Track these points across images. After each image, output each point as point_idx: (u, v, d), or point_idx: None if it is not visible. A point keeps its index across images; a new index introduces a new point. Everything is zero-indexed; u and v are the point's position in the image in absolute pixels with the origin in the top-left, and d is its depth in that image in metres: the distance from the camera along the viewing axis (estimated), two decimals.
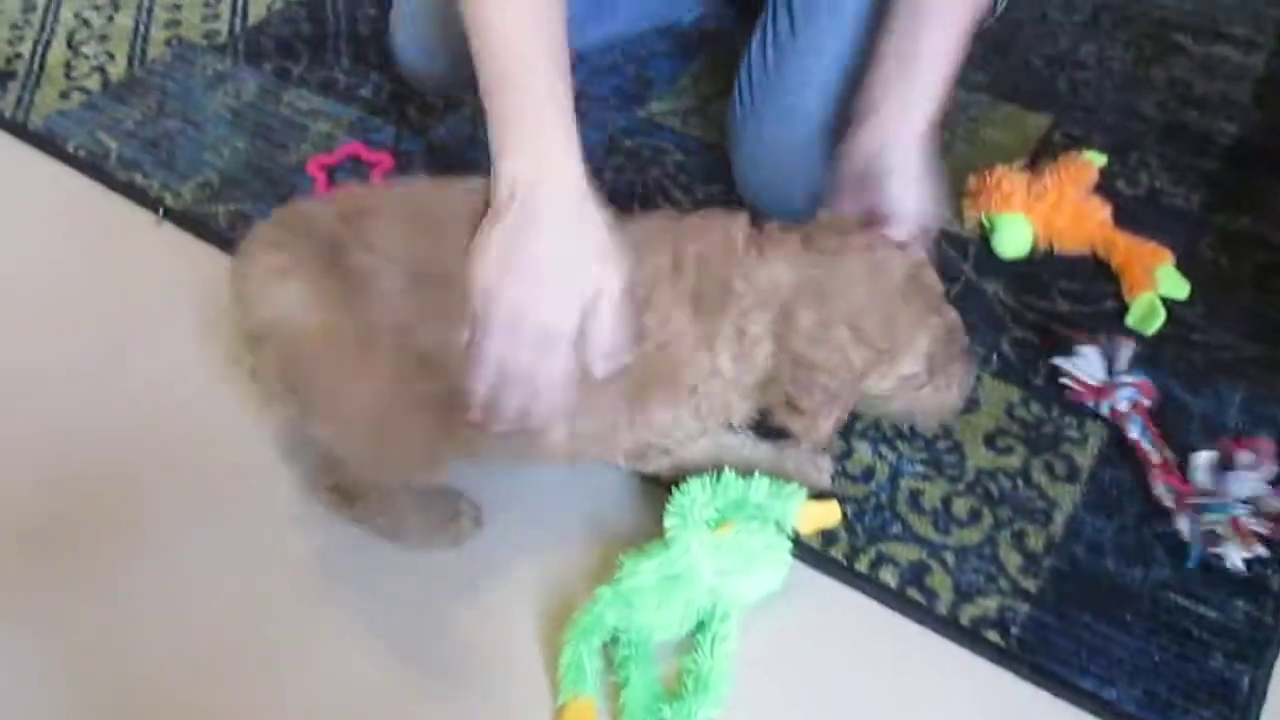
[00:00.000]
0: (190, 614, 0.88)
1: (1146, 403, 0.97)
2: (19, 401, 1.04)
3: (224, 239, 1.19)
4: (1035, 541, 0.91)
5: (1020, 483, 0.95)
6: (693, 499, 0.86)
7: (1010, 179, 1.13)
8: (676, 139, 1.30)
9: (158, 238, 1.20)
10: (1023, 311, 1.09)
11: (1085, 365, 0.98)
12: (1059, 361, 0.99)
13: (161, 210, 1.22)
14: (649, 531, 0.88)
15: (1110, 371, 0.97)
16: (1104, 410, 0.97)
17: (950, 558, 0.90)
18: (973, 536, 0.91)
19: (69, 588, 0.90)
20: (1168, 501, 0.90)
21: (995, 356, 1.05)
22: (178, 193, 1.25)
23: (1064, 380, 0.99)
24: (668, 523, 0.85)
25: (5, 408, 1.04)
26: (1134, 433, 0.95)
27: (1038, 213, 1.12)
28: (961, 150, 1.28)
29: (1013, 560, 0.90)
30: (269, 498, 0.95)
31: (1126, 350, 0.98)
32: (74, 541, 0.92)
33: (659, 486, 0.93)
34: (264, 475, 0.97)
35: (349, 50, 1.46)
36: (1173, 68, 1.40)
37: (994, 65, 1.40)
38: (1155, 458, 0.93)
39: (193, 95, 1.40)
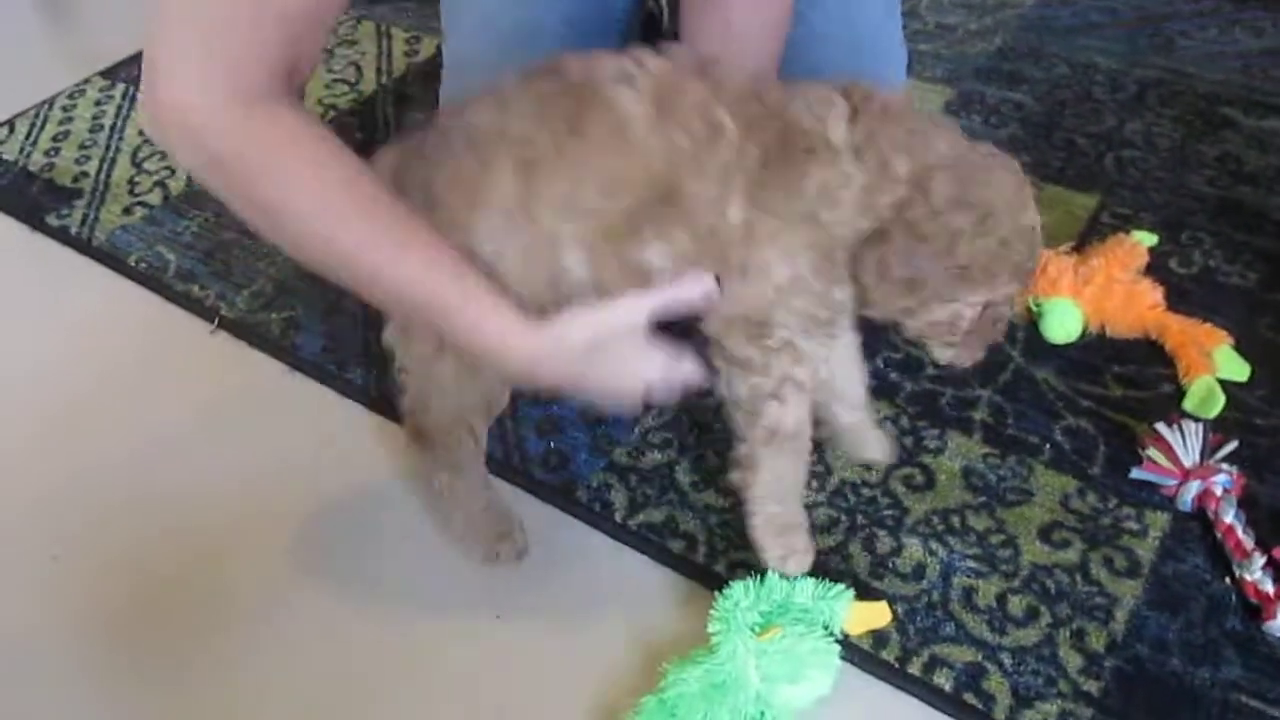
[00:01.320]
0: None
1: (1237, 488, 0.94)
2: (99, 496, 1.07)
3: (277, 346, 1.21)
4: (1096, 640, 0.87)
5: (1078, 578, 0.92)
6: (736, 602, 0.84)
7: (1057, 262, 1.11)
8: None
9: (213, 346, 1.24)
10: (1075, 398, 1.07)
11: (1177, 445, 0.95)
12: (1160, 429, 0.97)
13: (217, 320, 1.26)
14: (693, 637, 0.86)
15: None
16: (1189, 494, 0.94)
17: (1007, 659, 0.86)
18: (1030, 636, 0.88)
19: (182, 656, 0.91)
20: (1267, 586, 0.87)
21: (1048, 446, 1.02)
22: (232, 302, 1.28)
23: (1150, 455, 0.96)
24: (712, 628, 0.84)
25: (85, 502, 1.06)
26: (1229, 518, 0.91)
27: (1086, 296, 1.10)
28: None
29: (1073, 661, 0.86)
30: (322, 595, 0.96)
31: (1201, 434, 0.96)
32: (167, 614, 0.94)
33: (703, 590, 0.91)
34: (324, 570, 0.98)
35: None
36: (1223, 143, 1.38)
37: (1038, 147, 1.40)
38: (1250, 545, 0.89)
39: None
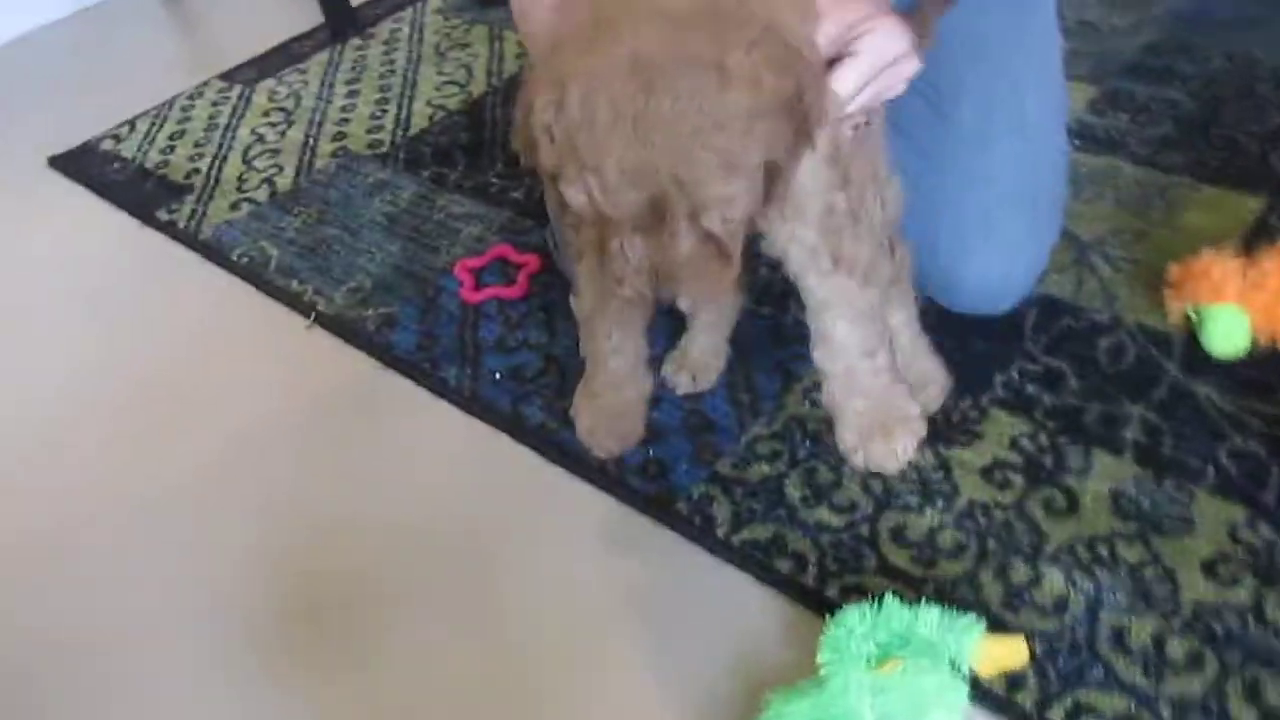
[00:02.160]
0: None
1: None
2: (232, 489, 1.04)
3: (372, 343, 1.17)
4: (1275, 695, 0.75)
5: (1251, 620, 0.79)
6: (850, 630, 0.75)
7: (1221, 265, 0.99)
8: None
9: (308, 341, 1.20)
10: (1243, 417, 0.94)
11: None
12: None
13: (314, 315, 1.22)
14: (801, 668, 0.77)
15: None
16: None
17: (1166, 711, 0.75)
18: (1193, 685, 0.76)
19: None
20: None
21: (1212, 469, 0.90)
22: (330, 298, 1.25)
23: None
24: (821, 658, 0.75)
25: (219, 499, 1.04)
26: None
27: (1256, 303, 0.97)
28: (1160, 236, 1.15)
29: (1246, 716, 0.74)
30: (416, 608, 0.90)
31: None
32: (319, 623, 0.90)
33: (813, 615, 0.82)
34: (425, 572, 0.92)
35: (503, 155, 1.46)
36: None
37: (1194, 144, 1.27)
38: None
39: (352, 203, 1.42)
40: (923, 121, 0.96)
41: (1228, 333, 0.98)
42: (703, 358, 1.03)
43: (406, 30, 1.85)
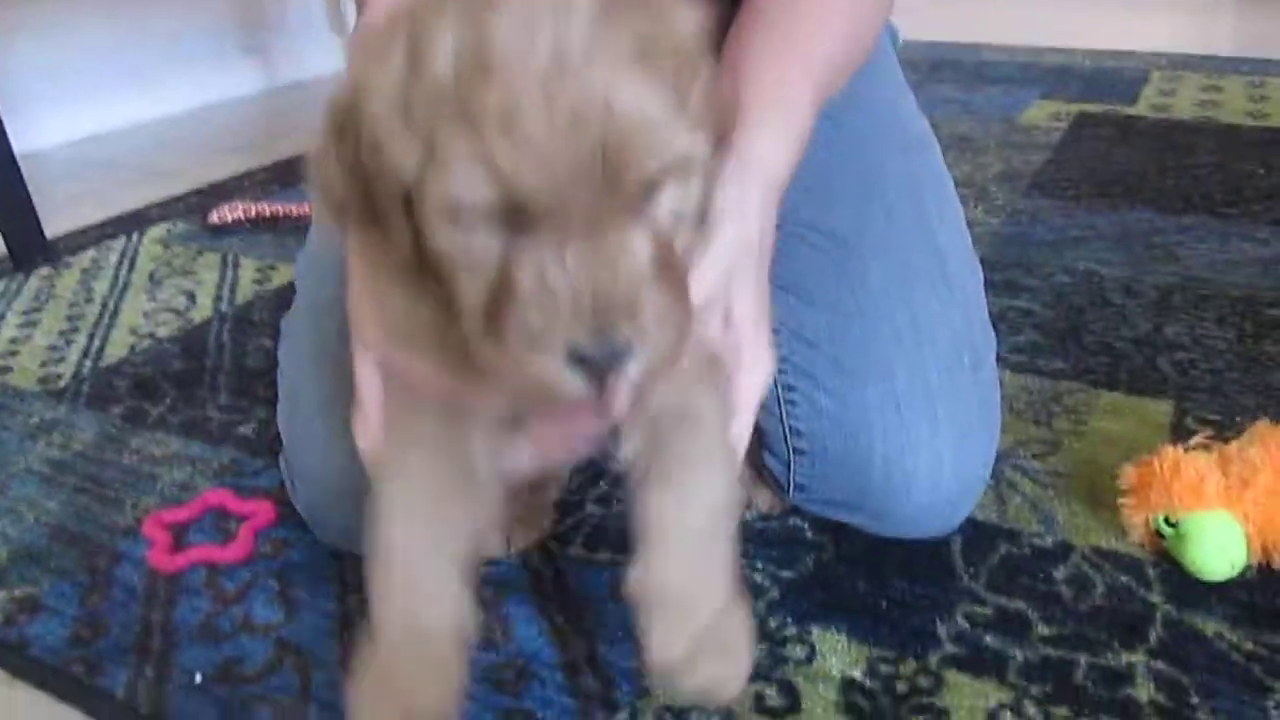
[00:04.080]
0: None
1: None
2: None
3: None
4: None
5: None
6: None
7: (1194, 462, 0.77)
8: None
9: None
10: (1275, 659, 0.68)
11: None
12: None
13: None
14: None
15: None
16: None
17: None
18: None
19: None
20: None
21: None
22: None
23: None
24: None
25: None
26: None
27: (1249, 505, 0.74)
28: (1074, 446, 0.93)
29: None
30: None
31: None
32: None
33: None
34: None
35: (230, 385, 1.11)
36: None
37: (1068, 351, 1.10)
38: None
39: (4, 449, 1.01)
40: (826, 276, 0.72)
41: (1221, 546, 0.74)
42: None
43: (114, 258, 1.50)
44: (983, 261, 0.83)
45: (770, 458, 0.75)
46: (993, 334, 0.80)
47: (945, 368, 0.70)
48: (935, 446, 0.68)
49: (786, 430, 0.72)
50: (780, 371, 0.68)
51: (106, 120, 2.34)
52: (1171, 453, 0.78)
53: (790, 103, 0.58)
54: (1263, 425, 0.81)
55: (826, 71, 0.61)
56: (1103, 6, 2.93)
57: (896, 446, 0.68)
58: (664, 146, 0.39)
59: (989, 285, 0.83)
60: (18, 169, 1.50)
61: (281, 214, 1.55)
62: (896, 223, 0.73)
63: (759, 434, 0.73)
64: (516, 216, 0.38)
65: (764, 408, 0.63)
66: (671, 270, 0.41)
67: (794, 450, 0.73)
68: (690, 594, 0.49)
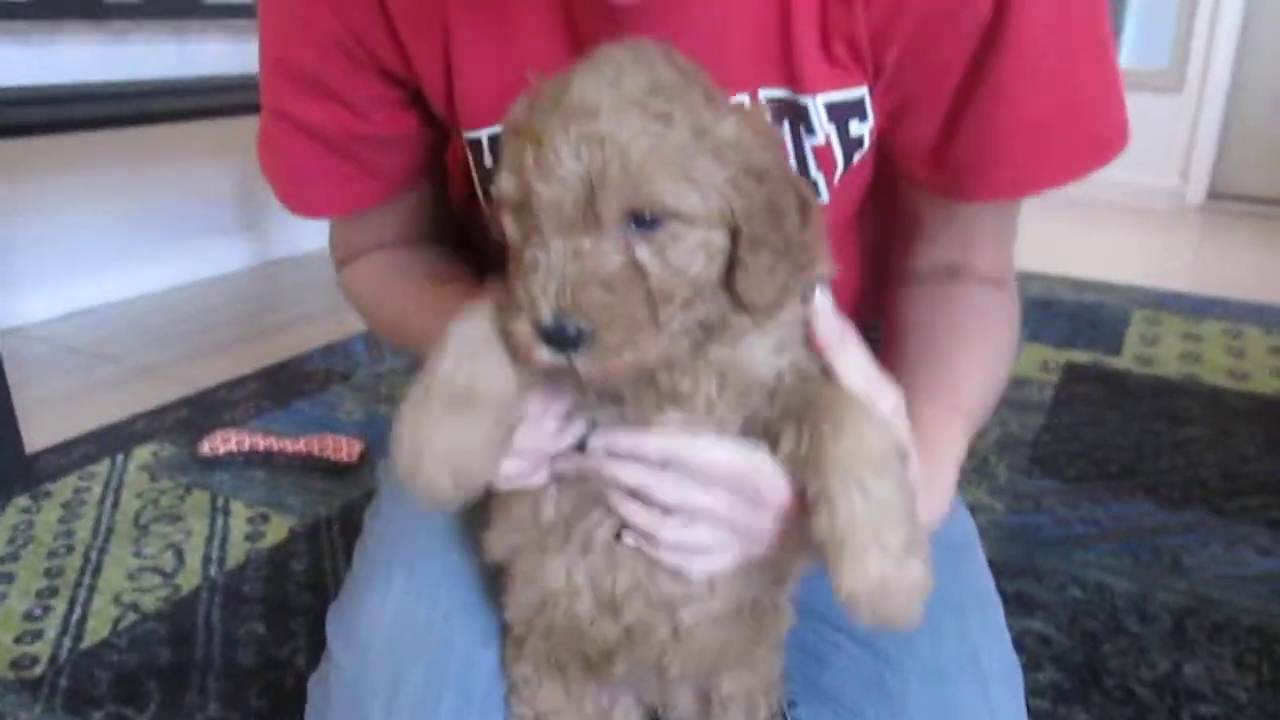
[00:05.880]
0: None
1: None
2: None
3: None
4: None
5: None
6: None
7: None
8: None
9: None
10: None
11: None
12: None
13: None
14: None
15: None
16: None
17: None
18: None
19: None
20: None
21: None
22: None
23: None
24: None
25: None
26: None
27: None
28: None
29: None
30: None
31: None
32: None
33: None
34: None
35: (219, 688, 1.05)
36: None
37: (1092, 699, 1.08)
38: None
39: None
40: (866, 691, 0.70)
41: None
42: None
43: (98, 490, 1.44)
44: (992, 565, 0.81)
45: None
46: None
47: None
48: None
49: None
50: None
51: (93, 296, 2.31)
52: None
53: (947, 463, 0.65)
54: None
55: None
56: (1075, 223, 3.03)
57: None
58: (646, 185, 0.49)
59: (1005, 600, 0.80)
60: (5, 385, 1.45)
61: (275, 450, 1.51)
62: (943, 644, 0.71)
63: None
64: (530, 212, 0.50)
65: None
66: (637, 287, 0.50)
67: None
68: (873, 528, 0.53)
